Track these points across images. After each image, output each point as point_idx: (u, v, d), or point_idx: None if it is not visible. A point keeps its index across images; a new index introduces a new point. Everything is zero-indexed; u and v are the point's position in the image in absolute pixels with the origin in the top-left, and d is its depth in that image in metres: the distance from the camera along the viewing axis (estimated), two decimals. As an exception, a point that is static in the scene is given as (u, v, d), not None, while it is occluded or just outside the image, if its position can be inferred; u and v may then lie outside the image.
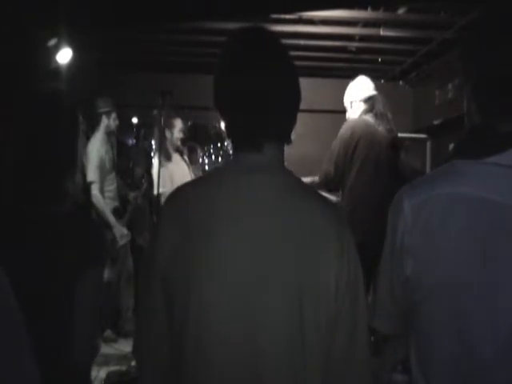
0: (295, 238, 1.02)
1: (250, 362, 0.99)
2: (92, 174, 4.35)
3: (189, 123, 4.69)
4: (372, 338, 1.13)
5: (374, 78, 5.84)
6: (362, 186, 3.27)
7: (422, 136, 6.04)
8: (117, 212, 4.48)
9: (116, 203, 4.52)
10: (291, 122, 1.11)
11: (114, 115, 4.53)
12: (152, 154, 5.44)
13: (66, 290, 1.34)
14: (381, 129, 3.37)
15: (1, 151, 1.45)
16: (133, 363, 3.52)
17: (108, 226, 4.38)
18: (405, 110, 6.18)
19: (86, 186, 4.40)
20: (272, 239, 1.02)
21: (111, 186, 4.50)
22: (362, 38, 4.88)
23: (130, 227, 4.62)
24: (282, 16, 4.27)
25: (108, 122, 4.51)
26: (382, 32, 4.55)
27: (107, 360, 3.98)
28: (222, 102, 1.10)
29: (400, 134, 5.58)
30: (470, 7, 3.80)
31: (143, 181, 4.88)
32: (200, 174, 5.26)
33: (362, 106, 3.45)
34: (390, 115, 3.44)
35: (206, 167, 6.33)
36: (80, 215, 1.45)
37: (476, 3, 3.52)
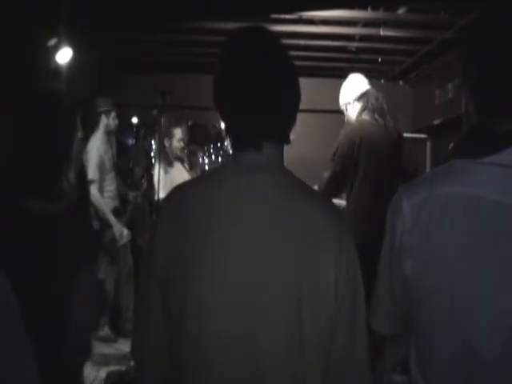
0: (295, 238, 1.02)
1: (249, 362, 0.99)
2: (91, 173, 4.35)
3: (189, 123, 4.68)
4: (372, 338, 1.12)
5: (374, 77, 5.87)
6: (366, 188, 3.24)
7: (422, 136, 6.04)
8: (117, 212, 4.48)
9: (116, 203, 4.52)
10: (291, 122, 1.11)
11: (113, 114, 4.53)
12: (152, 155, 5.45)
13: (63, 290, 1.34)
14: (379, 126, 3.31)
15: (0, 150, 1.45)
16: (133, 363, 3.52)
17: (108, 226, 4.39)
18: (405, 110, 6.18)
19: (86, 185, 4.40)
20: (272, 239, 1.02)
21: (111, 186, 4.50)
22: (362, 38, 4.88)
23: (130, 227, 4.62)
24: (282, 16, 4.27)
25: (107, 121, 4.52)
26: (382, 32, 4.55)
27: (107, 360, 3.98)
28: (222, 101, 1.09)
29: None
30: (470, 7, 3.80)
31: (143, 181, 4.88)
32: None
33: (357, 106, 3.40)
34: (385, 107, 3.38)
35: (206, 167, 6.33)
36: (76, 214, 1.45)
37: (476, 3, 3.51)
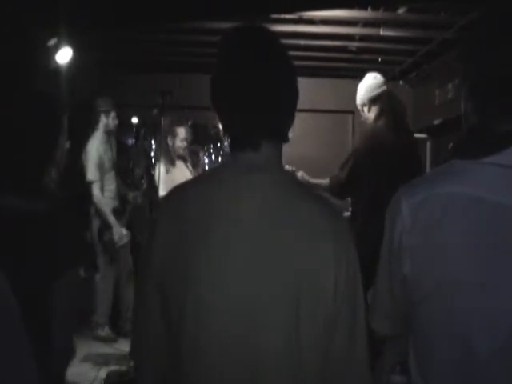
0: (294, 238, 1.02)
1: (249, 362, 0.99)
2: (92, 173, 4.36)
3: (189, 123, 4.68)
4: (371, 338, 1.12)
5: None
6: (378, 198, 3.16)
7: (422, 136, 6.04)
8: (117, 212, 4.48)
9: (116, 203, 4.52)
10: (289, 121, 1.11)
11: (112, 114, 4.54)
12: (152, 155, 5.44)
13: (44, 291, 1.32)
14: (394, 134, 3.17)
15: None
16: (133, 363, 3.52)
17: (108, 226, 4.39)
18: (405, 109, 6.17)
19: (87, 185, 4.40)
20: (271, 239, 1.01)
21: (111, 186, 4.51)
22: (362, 38, 4.88)
23: (129, 227, 4.62)
24: (282, 16, 4.27)
25: (107, 120, 4.52)
26: (382, 32, 4.54)
27: (107, 360, 3.99)
28: (220, 101, 1.09)
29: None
30: (470, 7, 3.80)
31: (143, 181, 4.88)
32: None
33: (374, 109, 3.26)
34: (402, 110, 3.26)
35: (206, 167, 6.32)
36: (57, 213, 1.44)
37: (476, 3, 3.51)
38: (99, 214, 4.40)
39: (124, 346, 4.20)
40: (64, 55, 4.25)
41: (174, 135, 4.41)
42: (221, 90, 1.09)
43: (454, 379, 0.97)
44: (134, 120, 6.16)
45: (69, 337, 1.39)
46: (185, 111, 4.94)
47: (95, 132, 4.51)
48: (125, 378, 3.48)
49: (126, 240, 4.52)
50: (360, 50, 5.20)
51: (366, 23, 4.55)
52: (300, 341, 1.00)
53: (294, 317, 1.00)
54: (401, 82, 6.31)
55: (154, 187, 4.33)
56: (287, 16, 4.27)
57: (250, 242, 1.01)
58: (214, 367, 1.00)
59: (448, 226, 0.97)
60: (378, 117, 3.25)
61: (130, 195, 4.69)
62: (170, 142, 4.40)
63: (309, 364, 1.01)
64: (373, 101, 3.26)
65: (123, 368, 3.68)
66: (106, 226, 4.41)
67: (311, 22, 4.47)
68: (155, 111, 4.38)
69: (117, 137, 4.84)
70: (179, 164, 4.52)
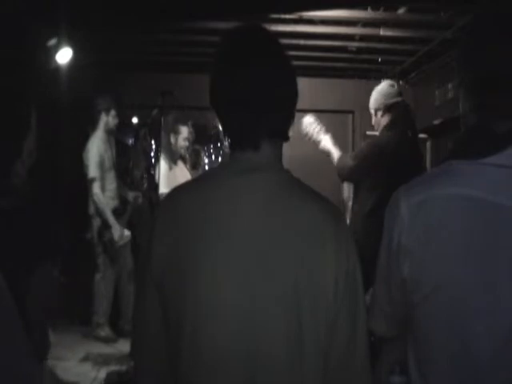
0: (294, 238, 1.02)
1: (249, 362, 0.99)
2: (92, 172, 4.35)
3: (189, 123, 4.69)
4: (372, 339, 1.12)
5: (374, 78, 5.86)
6: (379, 205, 3.18)
7: (422, 136, 6.04)
8: (117, 212, 4.48)
9: (116, 202, 4.52)
10: (289, 120, 1.11)
11: (113, 113, 4.53)
12: (152, 155, 5.44)
13: (16, 288, 1.31)
14: (403, 143, 3.20)
15: None
16: (133, 363, 3.52)
17: (108, 226, 4.39)
18: (405, 110, 6.16)
19: (88, 183, 4.40)
20: (271, 239, 1.01)
21: (111, 185, 4.51)
22: (362, 38, 4.88)
23: (130, 227, 4.62)
24: (282, 16, 4.26)
25: (107, 119, 4.52)
26: (382, 32, 4.54)
27: (107, 360, 3.99)
28: (219, 101, 1.09)
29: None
30: (470, 7, 3.80)
31: (143, 181, 4.88)
32: None
33: (386, 117, 3.28)
34: (411, 123, 3.29)
35: (206, 167, 6.32)
36: (26, 211, 1.42)
37: (476, 3, 3.51)
38: (99, 213, 4.40)
39: (124, 346, 4.20)
40: (64, 55, 4.26)
41: (177, 133, 4.42)
42: (220, 90, 1.09)
43: (454, 379, 0.97)
44: (134, 120, 6.17)
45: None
46: (185, 111, 4.94)
47: (96, 131, 4.51)
48: (125, 378, 3.49)
49: (126, 240, 4.52)
50: (360, 50, 5.19)
51: (366, 23, 4.54)
52: (301, 341, 1.00)
53: (295, 317, 1.00)
54: (401, 82, 6.30)
55: (154, 187, 4.33)
56: (287, 16, 4.27)
57: (249, 241, 1.01)
58: (214, 367, 1.00)
59: (447, 227, 0.97)
60: (390, 125, 3.27)
61: (131, 195, 4.69)
62: (172, 140, 4.41)
63: (309, 364, 1.01)
64: (388, 108, 3.28)
65: (123, 368, 3.68)
66: (105, 226, 4.40)
67: (311, 21, 4.46)
68: (155, 111, 4.38)
69: (117, 137, 4.84)
70: (180, 164, 4.54)
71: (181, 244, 1.04)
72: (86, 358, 4.07)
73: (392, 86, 3.37)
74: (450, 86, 5.27)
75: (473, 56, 1.03)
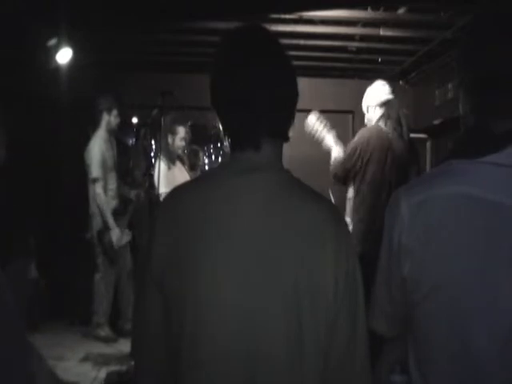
0: (294, 238, 1.02)
1: (249, 362, 0.99)
2: (95, 171, 4.34)
3: (189, 123, 4.70)
4: (371, 338, 1.12)
5: (374, 78, 5.85)
6: (375, 197, 3.23)
7: (422, 136, 6.04)
8: (117, 212, 4.48)
9: (116, 203, 4.52)
10: (289, 120, 1.11)
11: (114, 112, 4.52)
12: (152, 154, 5.45)
13: None
14: (394, 137, 3.32)
15: None
16: (133, 363, 3.52)
17: (107, 227, 4.38)
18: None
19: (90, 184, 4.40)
20: (271, 239, 1.01)
21: (112, 185, 4.50)
22: (362, 38, 4.88)
23: (130, 227, 4.62)
24: (282, 16, 4.27)
25: (109, 118, 4.51)
26: (382, 32, 4.54)
27: (107, 360, 3.99)
28: (219, 101, 1.09)
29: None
30: (470, 7, 3.80)
31: (144, 180, 4.89)
32: None
33: (378, 112, 3.41)
34: (403, 121, 3.40)
35: (206, 167, 6.33)
36: None
37: (476, 3, 3.51)
38: (100, 213, 4.39)
39: (124, 346, 4.20)
40: (64, 55, 4.26)
41: (174, 134, 4.44)
42: (220, 90, 1.09)
43: (454, 379, 0.97)
44: (134, 120, 6.17)
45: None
46: (185, 111, 4.95)
47: (97, 130, 4.50)
48: (125, 378, 3.49)
49: (125, 240, 4.52)
50: (360, 50, 5.19)
51: (366, 23, 4.54)
52: (301, 341, 1.00)
53: (295, 317, 1.00)
54: (401, 82, 6.31)
55: (154, 187, 4.33)
56: (287, 16, 4.27)
57: (249, 241, 1.01)
58: (214, 367, 1.00)
59: (447, 226, 0.97)
60: (381, 118, 3.39)
61: (132, 193, 4.68)
62: (170, 141, 4.42)
63: (309, 364, 1.01)
64: (380, 105, 3.42)
65: (123, 368, 3.69)
66: (105, 228, 4.40)
67: (311, 21, 4.47)
68: (155, 111, 4.38)
69: (117, 137, 4.84)
70: (178, 164, 4.55)
71: (181, 244, 1.04)
72: (85, 358, 4.07)
73: (384, 85, 3.49)
74: (450, 85, 5.27)
75: (473, 56, 1.03)
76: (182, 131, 4.47)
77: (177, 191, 1.14)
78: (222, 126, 1.10)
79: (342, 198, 3.55)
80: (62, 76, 4.39)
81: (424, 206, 1.00)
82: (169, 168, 4.35)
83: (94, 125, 4.54)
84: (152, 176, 4.49)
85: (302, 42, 4.78)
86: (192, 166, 5.54)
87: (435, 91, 5.61)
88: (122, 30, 4.40)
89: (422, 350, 1.03)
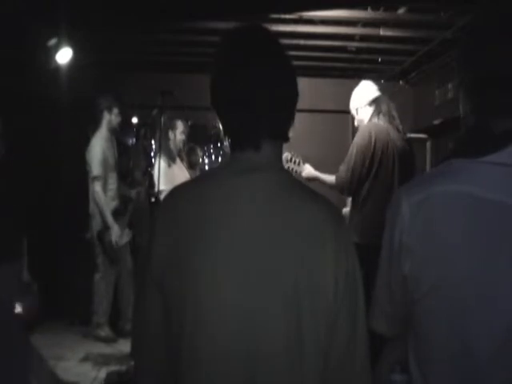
0: (294, 238, 1.02)
1: (249, 362, 0.99)
2: (96, 170, 4.33)
3: (189, 123, 4.72)
4: (371, 338, 1.12)
5: (374, 78, 5.85)
6: (377, 192, 3.22)
7: (422, 136, 6.04)
8: (117, 212, 4.47)
9: (116, 203, 4.51)
10: (289, 121, 1.11)
11: (115, 110, 4.52)
12: (152, 154, 5.45)
13: None
14: (392, 130, 3.33)
15: None
16: (133, 363, 3.52)
17: (107, 227, 4.38)
18: (405, 110, 6.16)
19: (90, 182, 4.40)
20: (271, 239, 1.01)
21: (113, 185, 4.50)
22: (362, 38, 4.88)
23: (130, 226, 4.62)
24: (282, 16, 4.27)
25: (110, 117, 4.50)
26: (382, 32, 4.54)
27: (107, 360, 3.99)
28: (219, 101, 1.09)
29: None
30: (470, 7, 3.80)
31: (145, 180, 4.89)
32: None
33: (369, 110, 3.41)
34: (395, 113, 3.41)
35: (206, 167, 6.34)
36: None
37: (476, 3, 3.52)
38: (100, 212, 4.38)
39: (124, 346, 4.20)
40: (64, 55, 4.26)
41: (174, 128, 4.50)
42: (220, 90, 1.09)
43: (454, 378, 0.97)
44: (134, 120, 6.17)
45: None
46: (185, 111, 4.95)
47: (98, 130, 4.50)
48: (125, 378, 3.49)
49: (125, 240, 4.52)
50: (360, 50, 5.20)
51: (366, 23, 4.54)
52: (301, 341, 1.00)
53: (295, 317, 1.00)
54: (401, 82, 6.31)
55: (153, 187, 4.33)
56: (287, 16, 4.27)
57: (248, 241, 1.01)
58: (214, 367, 1.00)
59: (447, 225, 0.97)
60: (373, 115, 3.39)
61: (132, 193, 4.68)
62: (171, 136, 4.48)
63: (309, 364, 1.01)
64: (370, 103, 3.42)
65: (123, 368, 3.69)
66: (105, 227, 4.40)
67: (311, 21, 4.47)
68: (155, 111, 4.39)
69: (117, 137, 4.84)
70: (178, 161, 4.58)
71: (181, 244, 1.04)
72: (86, 358, 4.07)
73: (369, 84, 3.50)
74: (450, 85, 5.27)
75: (473, 56, 1.03)
76: (180, 125, 4.57)
77: (176, 191, 1.14)
78: (222, 126, 1.10)
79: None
80: (61, 76, 4.39)
81: (424, 205, 1.00)
82: (169, 166, 4.37)
83: (95, 125, 4.54)
84: (152, 175, 4.50)
85: (302, 42, 4.78)
86: (191, 164, 5.56)
87: (435, 91, 5.61)
88: (122, 30, 4.41)
89: (422, 350, 1.03)
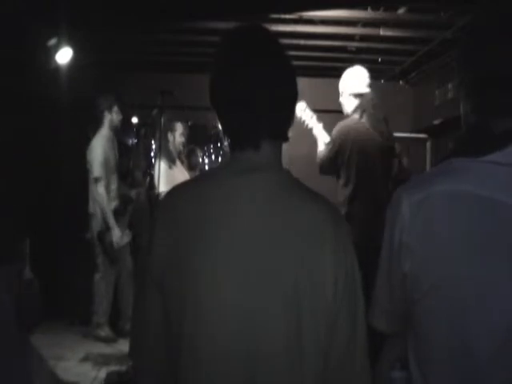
0: (294, 238, 1.02)
1: (249, 362, 0.99)
2: (97, 171, 4.32)
3: (189, 123, 4.73)
4: (371, 336, 1.12)
5: (374, 78, 5.84)
6: (359, 196, 3.20)
7: (422, 136, 6.05)
8: (117, 212, 4.47)
9: (116, 203, 4.51)
10: (289, 120, 1.11)
11: (115, 109, 4.51)
12: (152, 155, 5.46)
13: None
14: (372, 132, 3.24)
15: None
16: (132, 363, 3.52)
17: (108, 227, 4.38)
18: (405, 110, 6.18)
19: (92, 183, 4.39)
20: (271, 239, 1.01)
21: (114, 186, 4.49)
22: (362, 38, 4.88)
23: (130, 226, 4.62)
24: (282, 16, 4.27)
25: (111, 116, 4.50)
26: (382, 32, 4.55)
27: (107, 360, 3.99)
28: (219, 101, 1.09)
29: (400, 134, 5.59)
30: (470, 7, 3.80)
31: (145, 178, 4.89)
32: None
33: (353, 103, 3.31)
34: (380, 116, 3.31)
35: (206, 167, 6.34)
36: None
37: (476, 3, 3.52)
38: (101, 213, 4.38)
39: (124, 346, 4.20)
40: (64, 55, 4.26)
41: (173, 130, 4.50)
42: (220, 90, 1.08)
43: (454, 378, 0.97)
44: (134, 120, 6.17)
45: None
46: (185, 111, 4.96)
47: (100, 129, 4.49)
48: (125, 378, 3.49)
49: (125, 240, 4.52)
50: (360, 50, 5.20)
51: (366, 23, 4.55)
52: (301, 341, 1.00)
53: (295, 317, 1.00)
54: (401, 82, 6.31)
55: (154, 187, 4.33)
56: (287, 16, 4.27)
57: (248, 241, 1.01)
58: (214, 367, 1.00)
59: (447, 225, 0.97)
60: (356, 110, 3.29)
61: (133, 192, 4.68)
62: (170, 138, 4.47)
63: (309, 364, 1.01)
64: (354, 96, 3.31)
65: (123, 368, 3.68)
66: (106, 227, 4.39)
67: (311, 21, 4.47)
68: (155, 111, 4.39)
69: (117, 137, 4.84)
70: (179, 163, 4.58)
71: (181, 244, 1.04)
72: (86, 358, 4.07)
73: (361, 74, 3.35)
74: (449, 85, 5.28)
75: (473, 56, 1.03)
76: (180, 127, 4.57)
77: (176, 191, 1.14)
78: (222, 126, 1.10)
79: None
80: (62, 76, 4.39)
81: (424, 204, 1.00)
82: (169, 167, 4.37)
83: (95, 125, 4.53)
84: (152, 176, 4.50)
85: (302, 42, 4.79)
86: (191, 166, 5.56)
87: (435, 91, 5.62)
88: (122, 30, 4.41)
89: (422, 350, 1.03)
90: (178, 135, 4.53)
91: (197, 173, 5.61)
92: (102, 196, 4.32)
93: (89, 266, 4.51)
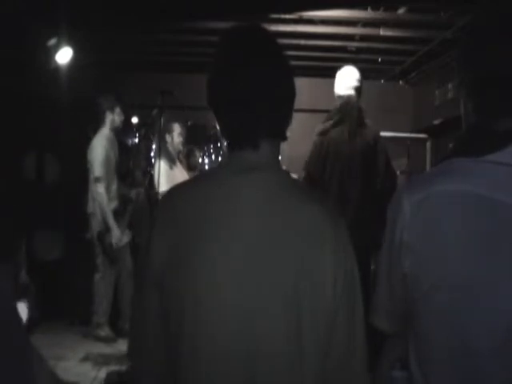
0: (293, 238, 1.02)
1: (249, 362, 0.99)
2: (98, 171, 4.31)
3: (188, 123, 4.73)
4: (371, 336, 1.12)
5: (374, 78, 5.86)
6: (340, 190, 3.08)
7: (422, 136, 6.05)
8: (117, 213, 4.47)
9: (116, 203, 4.51)
10: (287, 120, 1.11)
11: (117, 110, 4.50)
12: (152, 155, 5.46)
13: None
14: (349, 134, 3.14)
15: None
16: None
17: (107, 228, 4.37)
18: (405, 110, 6.18)
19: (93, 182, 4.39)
20: (270, 239, 1.01)
21: (114, 186, 4.49)
22: (362, 38, 4.88)
23: (130, 227, 4.62)
24: (282, 16, 4.27)
25: (112, 116, 4.49)
26: (382, 32, 4.55)
27: (107, 360, 3.99)
28: (218, 101, 1.09)
29: (400, 134, 5.59)
30: (470, 7, 3.80)
31: (145, 180, 4.89)
32: None
33: (338, 102, 3.27)
34: (362, 119, 3.22)
35: (206, 167, 6.34)
36: None
37: (476, 3, 3.52)
38: (101, 213, 4.38)
39: (124, 346, 4.14)
40: (64, 55, 4.26)
41: (171, 131, 4.51)
42: (218, 90, 1.08)
43: (454, 378, 0.97)
44: (134, 120, 6.17)
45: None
46: (185, 111, 4.96)
47: (101, 129, 4.48)
48: (125, 378, 3.48)
49: (125, 240, 4.52)
50: (360, 50, 5.20)
51: (366, 23, 4.55)
52: (301, 341, 1.00)
53: (295, 317, 1.00)
54: (401, 82, 6.31)
55: (154, 187, 4.33)
56: (287, 16, 4.27)
57: (248, 241, 1.01)
58: (214, 368, 1.00)
59: (448, 224, 0.97)
60: (340, 111, 3.21)
61: (132, 192, 4.68)
62: (168, 139, 4.48)
63: (309, 364, 1.01)
64: (339, 97, 3.27)
65: (123, 368, 3.68)
66: (106, 227, 4.39)
67: (311, 21, 4.47)
68: (155, 111, 4.39)
69: (117, 137, 4.84)
70: (179, 164, 4.59)
71: (180, 244, 1.03)
72: (86, 358, 4.07)
73: (349, 76, 3.28)
74: (450, 85, 5.28)
75: (473, 56, 1.03)
76: (177, 127, 4.58)
77: (175, 191, 1.14)
78: (220, 125, 1.10)
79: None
80: (61, 76, 4.39)
81: (425, 204, 1.00)
82: (170, 168, 4.37)
83: (95, 124, 4.53)
84: (152, 176, 4.50)
85: (302, 42, 4.79)
86: (190, 166, 5.56)
87: (435, 91, 5.62)
88: (122, 30, 4.41)
89: (423, 350, 1.03)
90: (176, 135, 4.54)
91: (196, 173, 5.62)
92: (102, 196, 4.32)
93: (89, 266, 4.51)
